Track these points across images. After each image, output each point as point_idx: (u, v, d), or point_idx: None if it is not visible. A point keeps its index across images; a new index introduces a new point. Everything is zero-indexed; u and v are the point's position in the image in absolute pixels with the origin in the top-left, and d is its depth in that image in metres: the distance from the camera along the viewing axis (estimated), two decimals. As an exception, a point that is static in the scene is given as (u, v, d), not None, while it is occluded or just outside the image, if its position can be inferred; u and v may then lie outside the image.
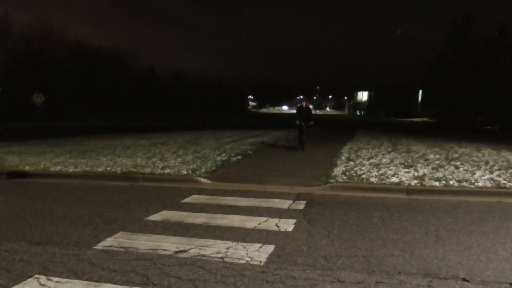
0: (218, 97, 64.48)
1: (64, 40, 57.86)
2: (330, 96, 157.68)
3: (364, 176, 8.43)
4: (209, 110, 60.74)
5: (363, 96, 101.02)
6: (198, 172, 9.15)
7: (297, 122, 13.79)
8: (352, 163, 10.26)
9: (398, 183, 7.76)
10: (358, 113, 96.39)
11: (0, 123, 34.85)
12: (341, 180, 8.12)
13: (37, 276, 3.79)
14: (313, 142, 16.66)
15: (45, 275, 3.81)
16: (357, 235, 4.99)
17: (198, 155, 12.03)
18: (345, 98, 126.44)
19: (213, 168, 9.67)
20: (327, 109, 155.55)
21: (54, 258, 4.23)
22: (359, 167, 9.56)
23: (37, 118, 25.07)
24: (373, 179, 8.11)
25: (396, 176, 8.38)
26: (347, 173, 8.74)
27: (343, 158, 11.29)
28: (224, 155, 11.97)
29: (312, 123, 14.24)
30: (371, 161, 10.57)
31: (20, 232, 5.14)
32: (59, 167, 10.02)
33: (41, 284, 3.61)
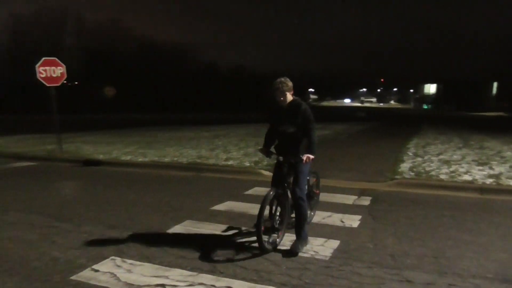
0: (278, 90, 64.30)
1: (132, 36, 60.92)
2: (394, 89, 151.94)
3: (433, 173, 8.03)
4: (270, 103, 60.89)
5: (430, 88, 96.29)
6: (260, 164, 9.23)
7: (262, 151, 4.82)
8: (419, 159, 9.82)
9: (471, 182, 7.29)
10: (424, 106, 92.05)
11: (74, 114, 37.46)
12: (408, 177, 7.79)
13: (113, 257, 4.04)
14: (377, 137, 16.18)
15: (120, 257, 4.05)
16: (426, 234, 4.77)
17: (260, 147, 12.11)
18: (411, 91, 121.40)
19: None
20: (391, 102, 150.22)
21: (127, 242, 4.48)
22: (428, 163, 9.13)
23: (107, 110, 26.65)
24: (443, 176, 7.69)
25: (468, 173, 7.89)
26: (415, 169, 8.37)
27: (409, 153, 10.84)
28: (285, 148, 11.96)
29: (311, 156, 4.25)
30: (440, 157, 10.04)
31: (96, 216, 5.51)
32: (129, 157, 10.58)
33: (117, 265, 3.84)
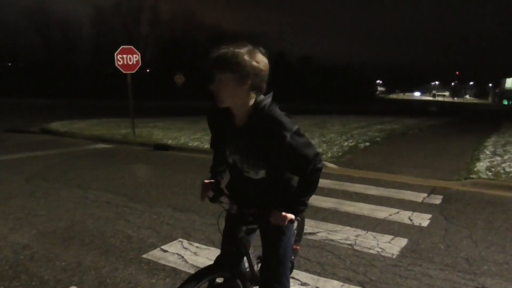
0: (346, 81, 63.16)
1: (203, 26, 62.65)
2: (471, 83, 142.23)
3: (514, 174, 7.41)
4: (336, 95, 60.01)
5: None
6: (324, 156, 9.09)
7: (205, 187, 2.38)
8: (498, 158, 9.11)
9: (560, 186, 6.64)
10: (505, 102, 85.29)
11: (146, 101, 39.37)
12: (485, 177, 7.26)
13: (180, 239, 4.20)
14: (451, 133, 15.28)
15: (187, 239, 4.19)
16: (507, 240, 4.42)
17: (324, 139, 11.96)
18: (490, 85, 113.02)
19: (340, 154, 9.51)
20: (467, 96, 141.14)
21: (194, 225, 4.64)
22: (508, 163, 8.44)
23: (177, 97, 27.65)
24: (526, 179, 7.08)
25: (556, 177, 7.18)
26: (493, 169, 7.78)
27: (487, 152, 10.10)
28: (351, 140, 11.68)
29: (290, 216, 1.94)
30: (523, 157, 9.25)
31: (166, 199, 5.75)
32: (196, 143, 10.91)
33: (184, 247, 3.99)
